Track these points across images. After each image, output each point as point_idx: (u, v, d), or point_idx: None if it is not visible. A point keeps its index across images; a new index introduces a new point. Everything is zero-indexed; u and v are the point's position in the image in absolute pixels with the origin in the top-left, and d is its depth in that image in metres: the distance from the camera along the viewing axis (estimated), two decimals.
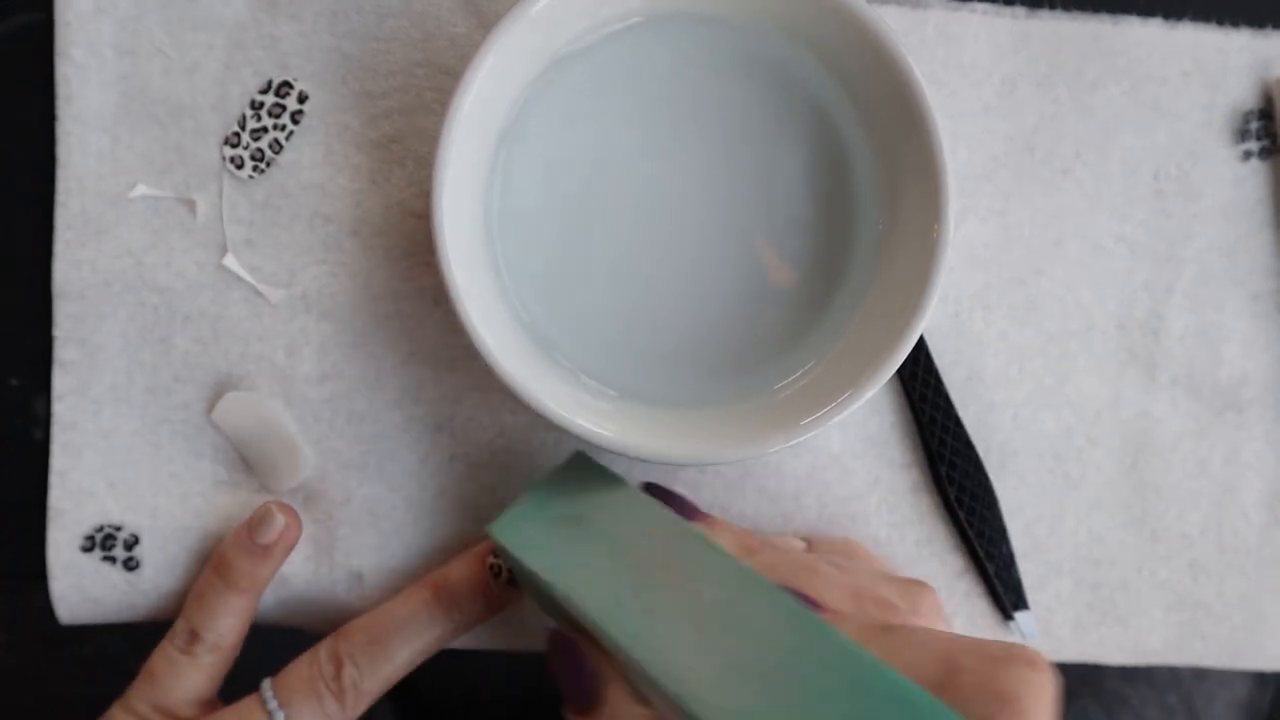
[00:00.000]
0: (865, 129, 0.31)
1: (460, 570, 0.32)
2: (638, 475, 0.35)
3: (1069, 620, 0.37)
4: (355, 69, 0.34)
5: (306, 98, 0.34)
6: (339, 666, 0.31)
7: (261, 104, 0.33)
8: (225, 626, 0.32)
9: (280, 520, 0.32)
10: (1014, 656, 0.23)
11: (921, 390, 0.35)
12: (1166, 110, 0.36)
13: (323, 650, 0.31)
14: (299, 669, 0.31)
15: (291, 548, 0.33)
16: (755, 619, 0.24)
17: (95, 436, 0.34)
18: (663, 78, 0.31)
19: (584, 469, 0.31)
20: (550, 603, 0.28)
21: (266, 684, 0.31)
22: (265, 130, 0.33)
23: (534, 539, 0.29)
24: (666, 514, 0.28)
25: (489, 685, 0.43)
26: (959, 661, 0.23)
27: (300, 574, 0.34)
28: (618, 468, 0.35)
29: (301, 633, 0.35)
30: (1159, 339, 0.37)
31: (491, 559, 0.32)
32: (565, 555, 0.28)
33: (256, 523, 0.32)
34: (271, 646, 0.34)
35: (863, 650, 0.22)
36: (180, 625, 0.32)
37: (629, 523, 0.28)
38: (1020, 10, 0.36)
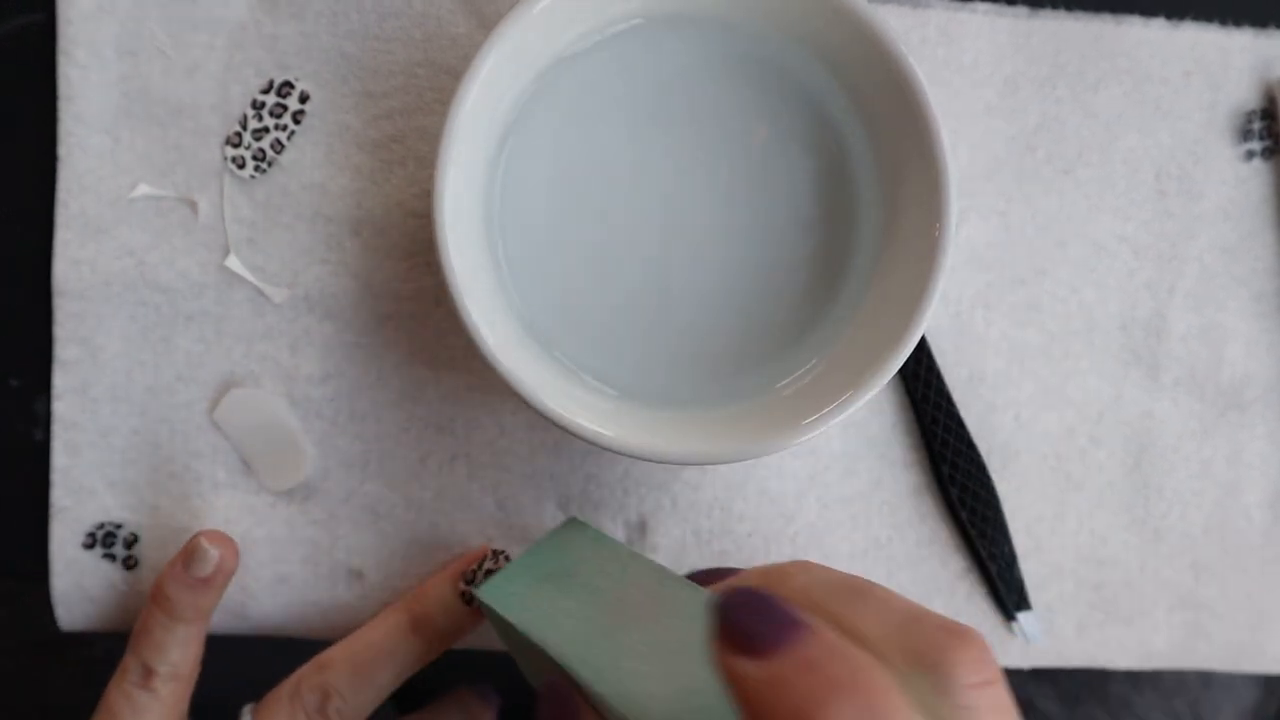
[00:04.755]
0: (866, 129, 0.31)
1: (435, 594, 0.33)
2: (640, 474, 0.35)
3: (1071, 621, 0.37)
4: (356, 69, 0.34)
5: (308, 97, 0.34)
6: (325, 698, 0.31)
7: (263, 104, 0.33)
8: (177, 657, 0.31)
9: (213, 554, 0.31)
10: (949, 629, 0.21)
11: (923, 390, 0.35)
12: (1169, 110, 0.36)
13: (305, 682, 0.31)
14: (280, 702, 0.31)
15: (232, 574, 0.32)
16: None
17: (95, 435, 0.34)
18: (664, 79, 0.31)
19: (576, 530, 0.32)
20: (534, 662, 0.29)
21: (246, 713, 0.31)
22: (267, 130, 0.33)
23: (519, 597, 0.30)
24: (648, 561, 0.29)
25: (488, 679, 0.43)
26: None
27: (300, 574, 0.34)
28: (619, 467, 0.35)
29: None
30: (1161, 339, 0.37)
31: (462, 585, 0.33)
32: (547, 608, 0.29)
33: (189, 558, 0.31)
34: (265, 650, 0.34)
35: None
36: (131, 662, 0.31)
37: (612, 573, 0.30)
38: (1022, 10, 0.36)
